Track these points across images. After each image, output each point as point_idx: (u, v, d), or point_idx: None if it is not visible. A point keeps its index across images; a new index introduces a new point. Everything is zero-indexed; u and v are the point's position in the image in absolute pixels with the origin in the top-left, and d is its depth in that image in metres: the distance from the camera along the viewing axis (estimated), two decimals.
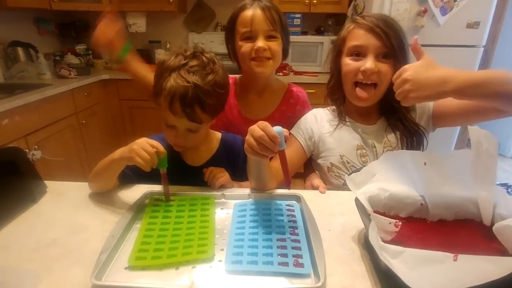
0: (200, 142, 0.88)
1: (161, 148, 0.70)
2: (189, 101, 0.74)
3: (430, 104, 0.93)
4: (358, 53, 0.87)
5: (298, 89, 1.14)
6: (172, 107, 0.75)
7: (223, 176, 0.84)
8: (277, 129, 0.62)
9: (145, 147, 0.69)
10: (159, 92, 0.76)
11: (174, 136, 0.82)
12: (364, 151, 0.93)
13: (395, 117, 0.92)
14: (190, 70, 0.75)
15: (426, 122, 0.94)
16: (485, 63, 2.27)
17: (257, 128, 0.63)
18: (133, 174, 0.83)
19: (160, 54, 2.84)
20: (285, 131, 0.64)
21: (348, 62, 0.88)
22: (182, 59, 0.76)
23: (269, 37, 0.96)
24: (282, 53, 1.01)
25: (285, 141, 0.64)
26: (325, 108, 1.04)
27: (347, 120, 0.97)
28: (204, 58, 0.78)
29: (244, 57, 0.97)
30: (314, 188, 0.90)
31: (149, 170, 0.70)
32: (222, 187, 0.83)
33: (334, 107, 1.01)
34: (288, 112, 1.10)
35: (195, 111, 0.76)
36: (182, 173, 0.86)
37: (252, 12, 0.94)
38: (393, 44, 0.83)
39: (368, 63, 0.84)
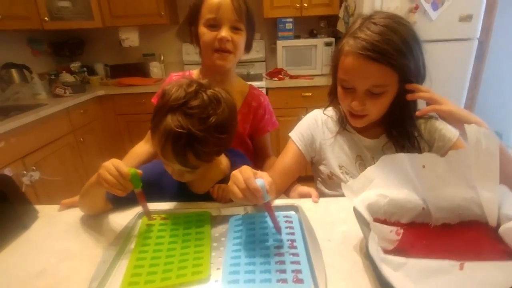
0: (201, 176, 0.79)
1: (124, 170, 0.63)
2: (180, 148, 0.67)
3: (450, 143, 0.85)
4: (346, 86, 0.79)
5: (260, 93, 1.09)
6: (164, 151, 0.68)
7: None
8: (259, 182, 0.58)
9: (110, 171, 0.63)
10: (154, 129, 0.70)
11: (170, 171, 0.77)
12: (362, 162, 0.89)
13: (399, 138, 0.85)
14: (188, 112, 0.66)
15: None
16: (480, 56, 2.24)
17: (241, 179, 0.59)
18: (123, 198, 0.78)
19: (155, 67, 2.84)
20: (267, 184, 0.58)
21: (340, 91, 0.82)
22: (182, 96, 0.67)
23: (233, 28, 0.92)
24: (245, 47, 0.98)
25: (268, 193, 0.59)
26: (325, 110, 0.97)
27: (347, 129, 0.92)
28: (205, 97, 0.69)
29: (206, 46, 0.94)
30: (303, 197, 0.85)
31: (124, 195, 0.65)
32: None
33: (333, 110, 0.95)
34: (250, 115, 1.05)
35: (187, 158, 0.68)
36: (186, 201, 0.82)
37: None
38: (390, 77, 0.73)
39: (354, 102, 0.77)
